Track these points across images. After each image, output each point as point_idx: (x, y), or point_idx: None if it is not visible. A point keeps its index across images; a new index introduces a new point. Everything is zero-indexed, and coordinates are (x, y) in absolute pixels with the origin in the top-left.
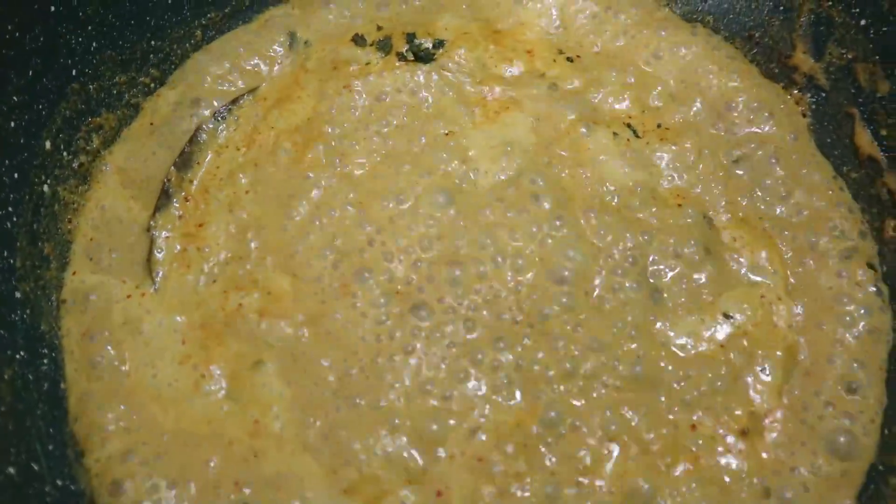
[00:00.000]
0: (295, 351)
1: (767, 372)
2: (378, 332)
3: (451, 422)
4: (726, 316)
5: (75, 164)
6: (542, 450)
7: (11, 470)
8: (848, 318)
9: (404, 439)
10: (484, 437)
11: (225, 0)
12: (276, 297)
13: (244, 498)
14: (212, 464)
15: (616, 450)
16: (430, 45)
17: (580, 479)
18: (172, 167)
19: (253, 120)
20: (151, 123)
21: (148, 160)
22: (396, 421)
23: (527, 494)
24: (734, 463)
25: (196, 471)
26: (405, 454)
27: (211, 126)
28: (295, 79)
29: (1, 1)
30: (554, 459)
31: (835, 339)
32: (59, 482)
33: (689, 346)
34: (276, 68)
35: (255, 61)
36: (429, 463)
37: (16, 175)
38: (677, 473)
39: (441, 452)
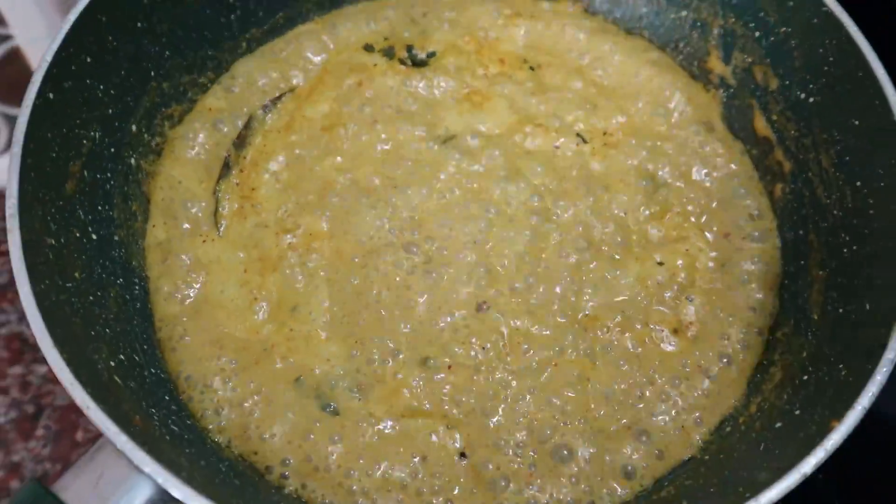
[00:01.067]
0: (331, 276)
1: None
2: (396, 259)
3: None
4: (659, 263)
5: (153, 143)
6: None
7: (122, 356)
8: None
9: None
10: None
11: (264, 19)
12: (315, 236)
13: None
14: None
15: None
16: (425, 55)
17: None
18: (231, 146)
19: (291, 110)
20: (209, 110)
21: (208, 142)
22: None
23: None
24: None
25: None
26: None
27: (260, 114)
28: (320, 79)
29: (103, 22)
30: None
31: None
32: (152, 370)
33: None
34: (306, 71)
35: (291, 66)
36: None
37: (112, 150)
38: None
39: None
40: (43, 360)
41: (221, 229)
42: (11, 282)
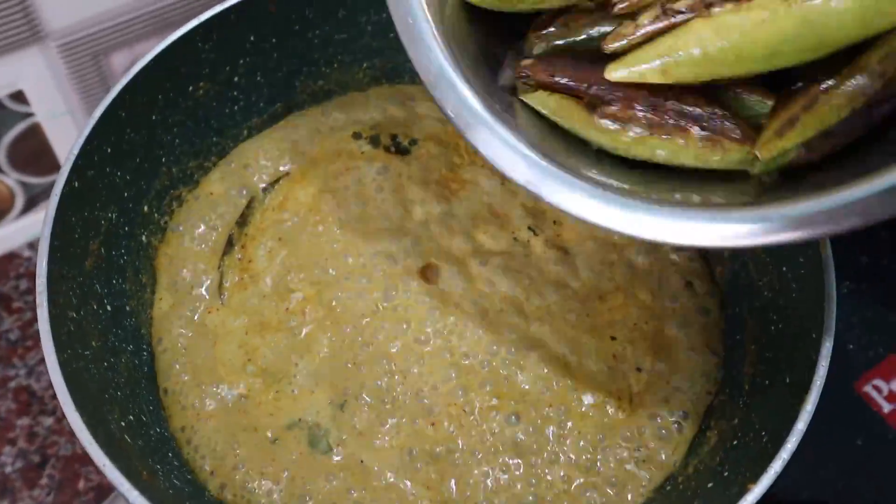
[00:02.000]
0: (315, 334)
1: None
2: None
3: None
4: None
5: (162, 222)
6: None
7: (131, 417)
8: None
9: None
10: None
11: (264, 109)
12: (307, 300)
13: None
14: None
15: None
16: (408, 143)
17: None
18: (235, 224)
19: (286, 191)
20: (211, 194)
21: (212, 220)
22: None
23: None
24: None
25: None
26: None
27: (260, 195)
28: (312, 162)
29: (123, 117)
30: None
31: None
32: (157, 429)
33: None
34: (300, 156)
35: (286, 151)
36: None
37: (126, 228)
38: None
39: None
40: (49, 413)
41: (224, 300)
42: (22, 338)
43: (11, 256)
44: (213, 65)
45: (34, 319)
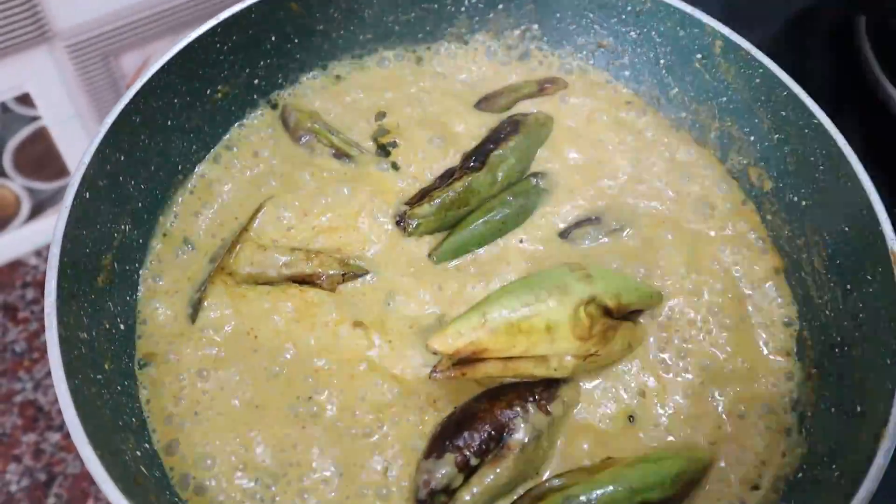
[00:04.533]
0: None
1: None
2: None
3: None
4: None
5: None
6: None
7: (147, 446)
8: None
9: None
10: None
11: None
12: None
13: None
14: None
15: None
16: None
17: None
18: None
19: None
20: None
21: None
22: None
23: None
24: None
25: None
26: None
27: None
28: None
29: (137, 122)
30: None
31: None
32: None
33: None
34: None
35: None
36: None
37: (140, 241)
38: None
39: None
40: (56, 428)
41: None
42: (28, 350)
43: (17, 264)
44: (233, 66)
45: (41, 330)
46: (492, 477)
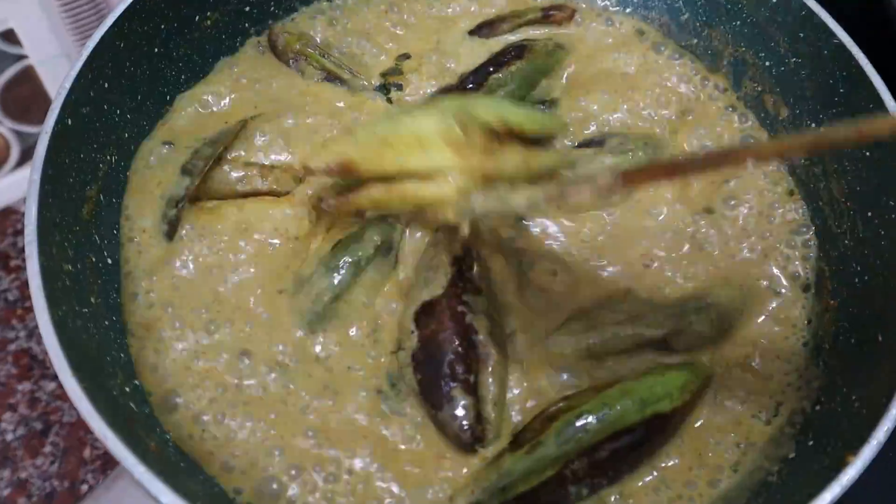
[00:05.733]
0: None
1: None
2: None
3: None
4: None
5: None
6: None
7: (136, 381)
8: None
9: None
10: None
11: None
12: None
13: None
14: None
15: None
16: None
17: None
18: None
19: None
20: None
21: None
22: None
23: None
24: None
25: None
26: None
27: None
28: None
29: (121, 48)
30: None
31: None
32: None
33: None
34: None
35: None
36: None
37: (128, 173)
38: None
39: None
40: (52, 377)
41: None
42: (21, 298)
43: (8, 211)
44: None
45: None
46: (491, 380)
